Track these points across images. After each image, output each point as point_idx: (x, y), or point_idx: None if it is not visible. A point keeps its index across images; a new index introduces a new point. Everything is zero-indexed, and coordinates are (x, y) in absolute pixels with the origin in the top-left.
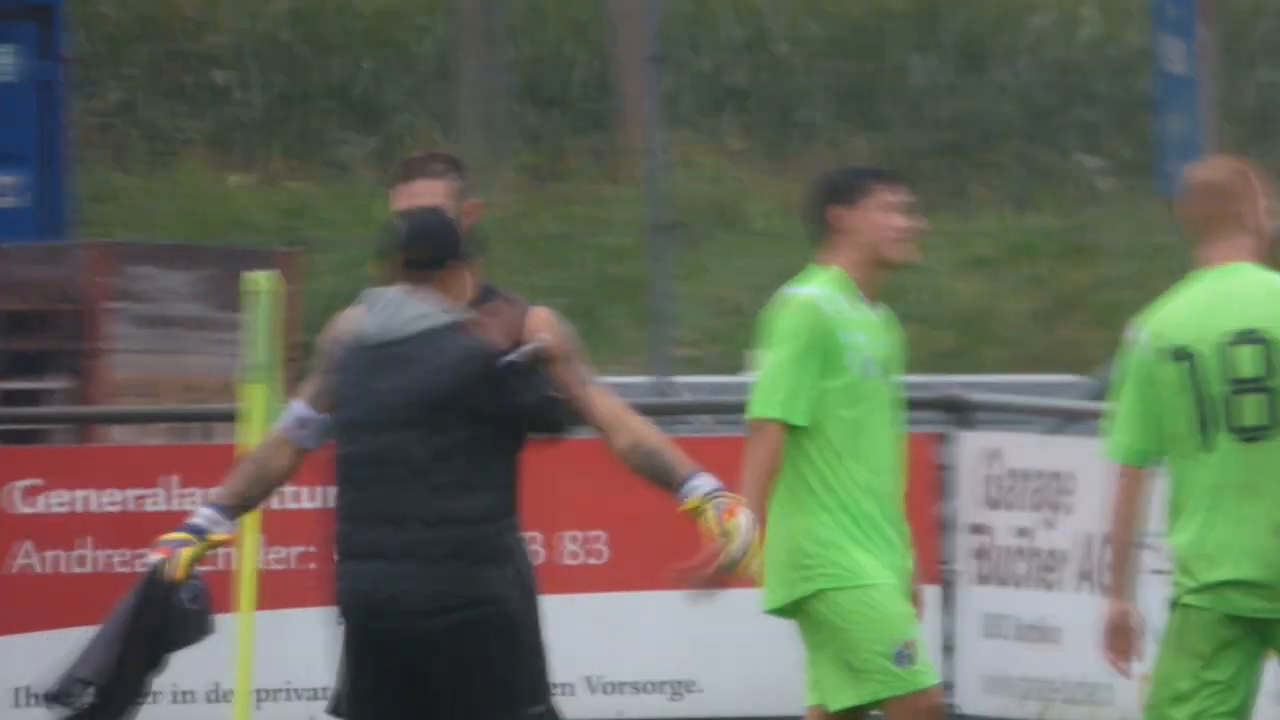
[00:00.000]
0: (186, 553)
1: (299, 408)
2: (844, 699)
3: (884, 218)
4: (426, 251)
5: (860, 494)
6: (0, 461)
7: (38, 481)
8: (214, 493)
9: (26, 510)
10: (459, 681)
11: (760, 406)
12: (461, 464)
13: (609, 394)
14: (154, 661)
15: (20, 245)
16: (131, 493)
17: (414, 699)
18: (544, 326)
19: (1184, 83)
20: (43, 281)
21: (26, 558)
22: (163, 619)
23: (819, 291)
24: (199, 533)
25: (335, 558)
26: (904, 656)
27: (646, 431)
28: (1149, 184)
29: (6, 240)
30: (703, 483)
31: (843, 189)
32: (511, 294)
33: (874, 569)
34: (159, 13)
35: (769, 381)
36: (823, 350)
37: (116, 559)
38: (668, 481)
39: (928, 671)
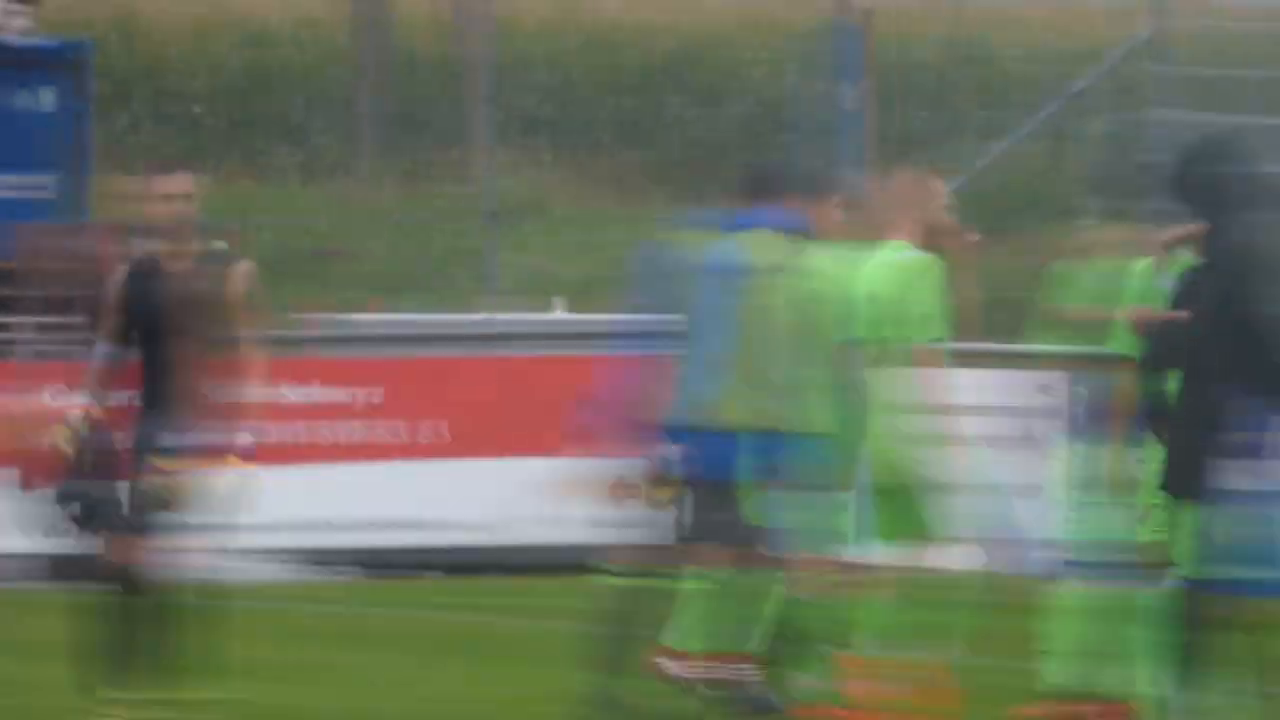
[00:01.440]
0: (78, 424)
1: (104, 345)
2: None
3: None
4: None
5: None
6: (34, 372)
7: (64, 387)
8: (84, 395)
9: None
10: None
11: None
12: None
13: (258, 350)
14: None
15: (57, 224)
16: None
17: None
18: (241, 278)
19: (854, 117)
20: (71, 249)
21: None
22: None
23: None
24: (82, 415)
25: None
26: None
27: (241, 389)
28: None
29: (47, 221)
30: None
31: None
32: (229, 253)
33: None
34: (155, 64)
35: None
36: None
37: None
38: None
39: None
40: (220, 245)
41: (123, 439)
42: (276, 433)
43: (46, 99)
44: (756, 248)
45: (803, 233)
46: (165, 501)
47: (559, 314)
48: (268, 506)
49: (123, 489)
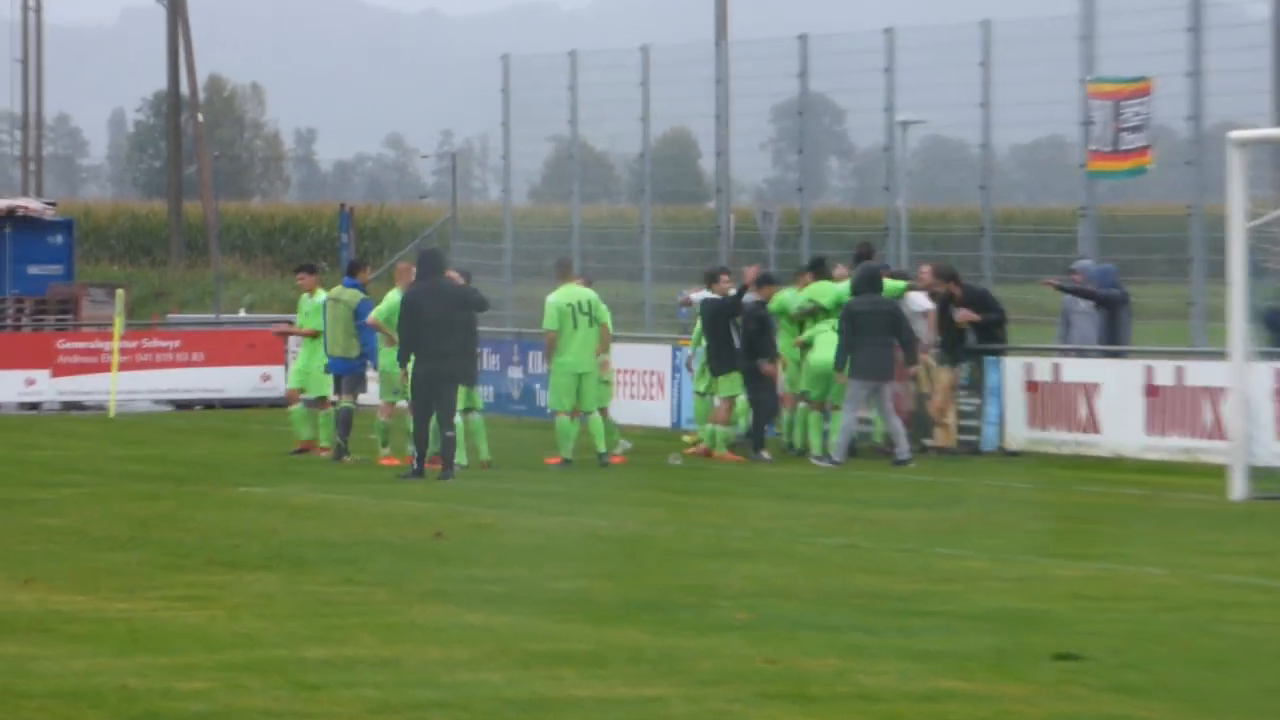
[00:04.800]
0: None
1: None
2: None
3: None
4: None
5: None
6: None
7: None
8: None
9: None
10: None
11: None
12: None
13: None
14: None
15: None
16: None
17: None
18: None
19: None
20: None
21: None
22: None
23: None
24: None
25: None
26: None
27: None
28: None
29: None
30: None
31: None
32: None
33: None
34: None
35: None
36: None
37: None
38: None
39: None
40: None
41: None
42: None
43: None
44: (343, 291)
45: (357, 287)
46: None
47: (243, 313)
48: None
49: None
